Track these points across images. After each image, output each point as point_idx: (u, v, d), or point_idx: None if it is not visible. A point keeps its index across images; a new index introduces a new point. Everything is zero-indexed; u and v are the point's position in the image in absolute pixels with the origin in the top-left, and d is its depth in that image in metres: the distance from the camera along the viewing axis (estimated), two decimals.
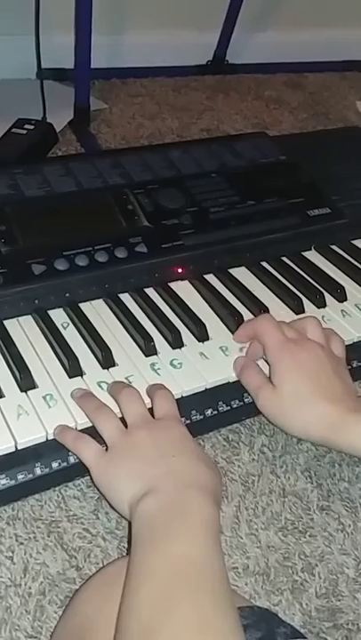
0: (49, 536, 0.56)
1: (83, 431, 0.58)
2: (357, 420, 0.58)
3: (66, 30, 1.13)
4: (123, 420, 0.57)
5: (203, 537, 0.46)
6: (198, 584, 0.43)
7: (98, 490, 0.55)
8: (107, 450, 0.55)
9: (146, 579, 0.44)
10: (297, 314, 0.74)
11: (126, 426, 0.56)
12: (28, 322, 0.67)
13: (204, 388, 0.64)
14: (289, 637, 0.42)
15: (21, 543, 0.55)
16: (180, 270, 0.75)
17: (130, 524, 0.50)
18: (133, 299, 0.72)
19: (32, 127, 1.07)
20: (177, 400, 0.62)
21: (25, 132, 1.07)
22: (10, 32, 1.22)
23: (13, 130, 1.07)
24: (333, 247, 0.85)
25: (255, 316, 0.72)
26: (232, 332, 0.70)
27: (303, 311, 0.74)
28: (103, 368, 0.63)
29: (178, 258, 0.75)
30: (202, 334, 0.68)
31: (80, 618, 0.48)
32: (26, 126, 1.07)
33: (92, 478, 0.55)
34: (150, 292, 0.73)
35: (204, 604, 0.42)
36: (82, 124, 1.20)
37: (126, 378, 0.62)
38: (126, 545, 0.56)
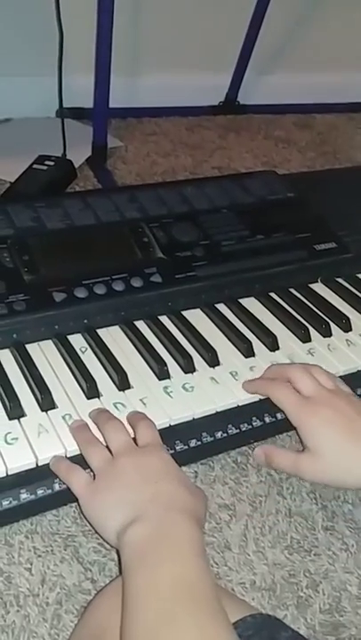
0: (65, 549, 0.59)
1: None
2: None
3: (86, 71, 1.19)
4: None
5: (192, 556, 0.48)
6: (195, 600, 0.44)
7: (86, 520, 0.56)
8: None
9: (142, 604, 0.45)
10: (304, 342, 0.77)
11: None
12: (48, 346, 0.70)
13: (214, 411, 0.67)
14: None
15: (39, 556, 0.58)
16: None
17: (117, 550, 0.51)
18: (148, 326, 0.75)
19: (52, 163, 1.12)
20: (188, 422, 0.66)
21: (45, 167, 1.11)
22: (32, 73, 1.29)
23: (34, 166, 1.11)
24: (339, 280, 0.88)
25: (264, 343, 0.75)
26: (244, 357, 0.73)
27: (310, 340, 0.77)
28: (119, 390, 0.66)
29: (191, 288, 0.78)
30: (213, 360, 0.71)
31: (93, 626, 0.50)
32: (46, 162, 1.12)
33: (80, 509, 0.56)
34: (164, 319, 0.76)
35: (204, 618, 0.43)
36: (99, 161, 1.25)
37: (140, 400, 0.66)
38: None
